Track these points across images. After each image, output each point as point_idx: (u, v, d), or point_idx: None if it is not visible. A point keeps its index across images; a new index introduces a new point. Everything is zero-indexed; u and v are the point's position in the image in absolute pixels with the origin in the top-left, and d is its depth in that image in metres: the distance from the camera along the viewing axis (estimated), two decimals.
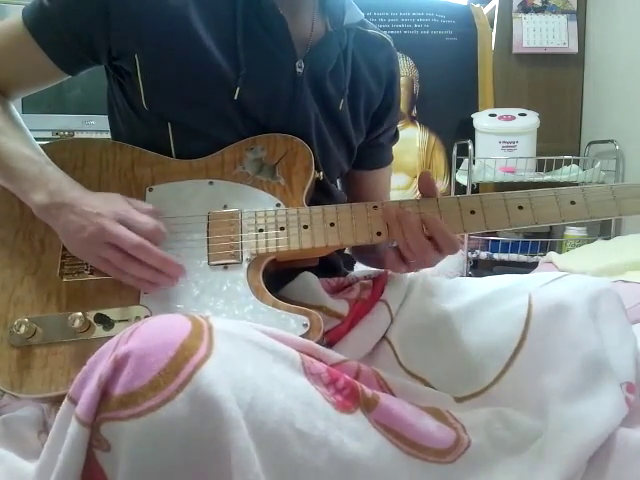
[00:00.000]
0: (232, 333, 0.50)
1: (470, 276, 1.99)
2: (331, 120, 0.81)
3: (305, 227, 0.70)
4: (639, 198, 0.71)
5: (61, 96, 2.00)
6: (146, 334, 0.46)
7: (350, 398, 0.53)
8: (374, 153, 0.92)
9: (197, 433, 0.43)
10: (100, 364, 0.46)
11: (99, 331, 0.65)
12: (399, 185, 2.23)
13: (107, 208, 0.64)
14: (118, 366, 0.44)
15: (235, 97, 0.73)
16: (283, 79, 0.76)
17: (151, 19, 0.71)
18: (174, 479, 0.45)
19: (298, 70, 0.76)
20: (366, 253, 0.88)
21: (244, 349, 0.50)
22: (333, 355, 0.61)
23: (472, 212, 0.71)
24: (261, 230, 0.70)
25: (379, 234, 0.71)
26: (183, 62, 0.72)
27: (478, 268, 2.12)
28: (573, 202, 0.71)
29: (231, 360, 0.47)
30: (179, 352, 0.45)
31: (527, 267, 1.91)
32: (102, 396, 0.44)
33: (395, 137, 0.96)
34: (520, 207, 0.71)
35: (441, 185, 2.25)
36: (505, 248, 2.00)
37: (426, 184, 0.73)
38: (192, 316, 0.50)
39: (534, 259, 1.95)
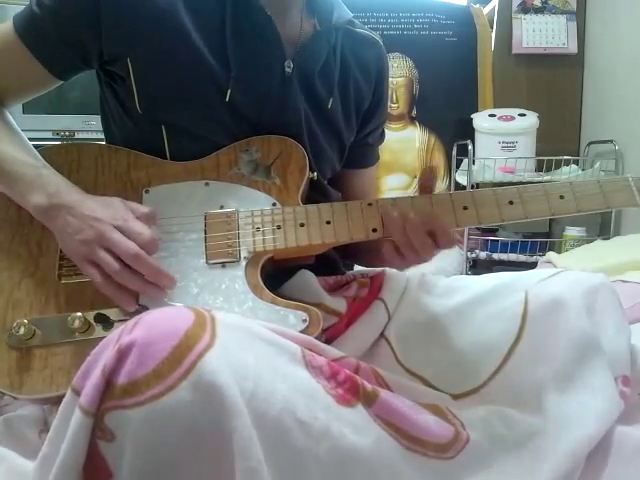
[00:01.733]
0: (234, 325, 0.51)
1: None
2: (322, 119, 0.81)
3: (301, 225, 0.71)
4: (625, 191, 0.73)
5: (61, 96, 2.01)
6: (150, 324, 0.47)
7: (350, 392, 0.54)
8: (361, 152, 0.93)
9: (200, 420, 0.44)
10: (104, 354, 0.47)
11: (99, 331, 0.65)
12: (398, 185, 2.23)
13: (106, 213, 0.65)
14: (122, 355, 0.45)
15: (227, 99, 0.73)
16: (272, 79, 0.76)
17: (142, 22, 0.71)
18: (178, 466, 0.45)
19: (287, 70, 0.76)
20: (359, 252, 0.88)
21: (246, 340, 0.50)
22: (332, 351, 0.62)
23: (465, 208, 0.72)
24: (258, 229, 0.71)
25: (374, 230, 0.72)
26: (175, 64, 0.72)
27: (477, 268, 2.12)
28: (562, 197, 0.73)
29: (233, 350, 0.48)
30: (182, 341, 0.45)
31: (526, 267, 1.91)
32: (106, 385, 0.45)
33: (381, 137, 0.97)
34: (510, 202, 0.73)
35: (441, 185, 2.26)
36: (504, 248, 2.00)
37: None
38: (195, 308, 0.51)
39: (533, 259, 1.95)
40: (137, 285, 0.64)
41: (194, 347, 0.45)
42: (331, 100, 0.81)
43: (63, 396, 0.50)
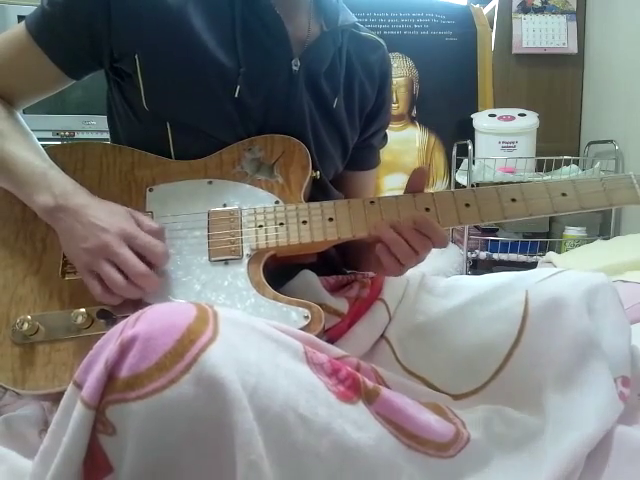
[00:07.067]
0: (236, 320, 0.51)
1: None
2: (326, 119, 0.82)
3: (304, 222, 0.72)
4: (628, 189, 0.73)
5: (62, 97, 2.00)
6: (152, 318, 0.47)
7: (352, 389, 0.54)
8: (364, 154, 0.93)
9: (202, 413, 0.44)
10: (106, 348, 0.47)
11: (102, 326, 0.65)
12: (398, 185, 2.23)
13: (114, 224, 0.64)
14: (124, 349, 0.45)
15: (236, 95, 0.74)
16: (279, 77, 0.77)
17: (151, 18, 0.71)
18: (179, 459, 0.46)
19: (294, 68, 0.77)
20: (357, 258, 0.88)
21: (248, 336, 0.50)
22: (334, 350, 0.62)
23: (467, 205, 0.73)
24: (260, 226, 0.71)
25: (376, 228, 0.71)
26: (183, 60, 0.72)
27: (477, 268, 2.12)
28: (564, 194, 0.73)
29: (236, 345, 0.48)
30: (185, 335, 0.45)
31: (526, 267, 1.91)
32: (108, 379, 0.45)
33: (384, 139, 0.97)
34: (513, 199, 0.73)
35: (441, 185, 2.26)
36: (504, 248, 2.00)
37: (417, 181, 0.73)
38: (197, 303, 0.51)
39: (533, 259, 1.95)
40: (138, 296, 0.64)
41: (196, 341, 0.45)
42: (336, 99, 0.81)
43: (65, 392, 0.49)
